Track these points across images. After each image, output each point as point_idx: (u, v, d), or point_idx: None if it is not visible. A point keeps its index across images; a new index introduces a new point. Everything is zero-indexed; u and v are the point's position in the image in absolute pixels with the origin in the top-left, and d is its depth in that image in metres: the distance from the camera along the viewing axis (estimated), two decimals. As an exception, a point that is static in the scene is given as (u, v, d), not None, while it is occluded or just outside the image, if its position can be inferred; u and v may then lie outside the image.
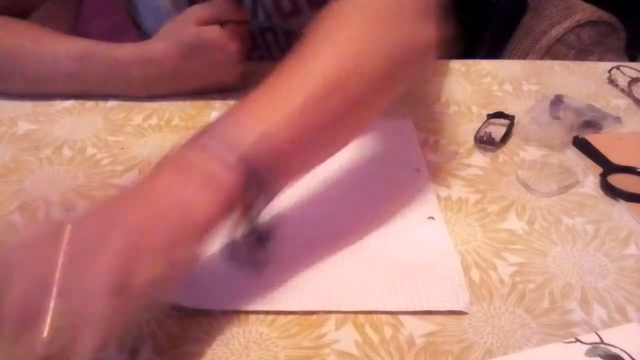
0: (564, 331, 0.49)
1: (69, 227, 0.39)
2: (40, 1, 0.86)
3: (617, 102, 0.82)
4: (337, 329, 0.48)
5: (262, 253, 0.49)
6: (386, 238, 0.57)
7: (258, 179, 0.45)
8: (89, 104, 0.77)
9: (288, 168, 0.48)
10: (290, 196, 0.62)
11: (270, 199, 0.48)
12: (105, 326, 0.38)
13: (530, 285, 0.53)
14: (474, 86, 0.84)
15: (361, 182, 0.65)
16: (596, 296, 0.52)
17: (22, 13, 0.81)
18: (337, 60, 0.50)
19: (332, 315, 0.49)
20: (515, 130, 0.74)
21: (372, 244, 0.57)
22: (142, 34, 0.90)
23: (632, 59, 1.09)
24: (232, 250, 0.49)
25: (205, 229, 0.43)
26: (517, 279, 0.54)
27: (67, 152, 0.68)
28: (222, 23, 0.75)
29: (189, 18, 0.74)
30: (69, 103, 0.77)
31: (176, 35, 0.74)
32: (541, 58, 1.08)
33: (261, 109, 0.47)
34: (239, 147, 0.44)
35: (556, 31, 1.10)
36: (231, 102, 0.78)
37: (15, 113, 0.75)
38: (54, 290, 0.37)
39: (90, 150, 0.69)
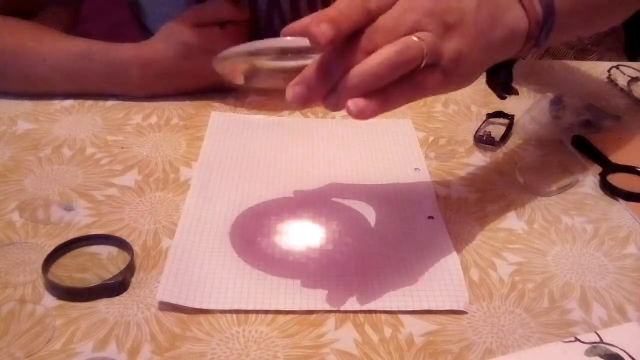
0: (564, 331, 0.49)
1: None
2: (44, 3, 0.86)
3: (617, 102, 0.82)
4: (337, 328, 0.48)
5: None
6: (386, 238, 0.57)
7: (545, 26, 0.54)
8: (89, 103, 0.77)
9: (561, 28, 0.56)
10: (289, 196, 0.62)
11: (535, 48, 0.56)
12: None
13: (530, 285, 0.53)
14: (473, 86, 0.84)
15: (361, 181, 0.65)
16: (596, 296, 0.52)
17: (25, 14, 0.81)
18: None
19: (332, 315, 0.49)
20: (515, 130, 0.74)
21: (372, 244, 0.57)
22: (147, 34, 0.90)
23: (632, 58, 1.09)
24: None
25: (507, 35, 0.51)
26: (517, 278, 0.54)
27: (66, 151, 0.68)
28: (222, 24, 0.75)
29: (188, 19, 0.74)
30: (68, 103, 0.77)
31: (176, 36, 0.74)
32: (541, 58, 1.08)
33: None
34: None
35: (556, 31, 1.10)
36: (231, 102, 0.78)
37: (15, 112, 0.75)
38: None
39: (90, 150, 0.69)
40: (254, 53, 0.49)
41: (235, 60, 0.50)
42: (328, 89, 0.45)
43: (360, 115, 0.44)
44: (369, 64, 0.44)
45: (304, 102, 0.45)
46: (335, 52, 0.45)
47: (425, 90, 0.47)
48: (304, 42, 0.44)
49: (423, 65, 0.45)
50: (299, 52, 0.47)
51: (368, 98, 0.44)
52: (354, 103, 0.44)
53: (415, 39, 0.45)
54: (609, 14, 0.67)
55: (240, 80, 0.51)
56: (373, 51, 0.44)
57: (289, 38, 0.46)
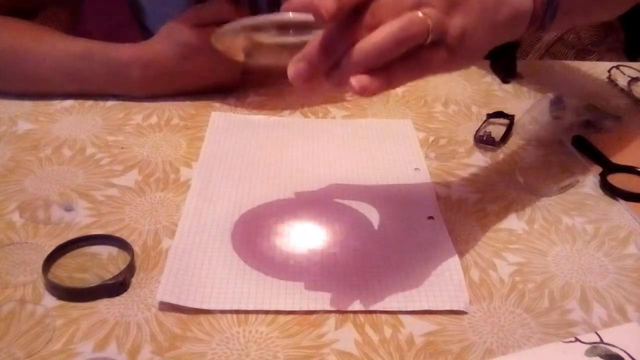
0: (564, 331, 0.49)
1: None
2: (44, 3, 0.86)
3: (617, 102, 0.82)
4: (337, 328, 0.48)
5: None
6: (386, 238, 0.57)
7: (549, 7, 0.54)
8: (89, 103, 0.77)
9: (565, 11, 0.56)
10: (289, 196, 0.62)
11: (539, 31, 0.55)
12: None
13: (530, 285, 0.53)
14: (474, 86, 0.84)
15: (361, 181, 0.65)
16: (596, 296, 0.52)
17: (25, 14, 0.81)
18: None
19: (332, 315, 0.49)
20: (515, 129, 0.74)
21: (372, 244, 0.57)
22: (147, 35, 0.90)
23: (632, 58, 1.09)
24: None
25: (511, 14, 0.51)
26: (517, 278, 0.54)
27: (66, 151, 0.68)
28: (222, 24, 0.74)
29: (188, 19, 0.74)
30: (68, 102, 0.77)
31: (176, 36, 0.74)
32: (541, 58, 1.08)
33: None
34: None
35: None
36: (231, 102, 0.78)
37: (15, 112, 0.75)
38: None
39: (90, 150, 0.69)
40: (254, 28, 0.48)
41: (234, 36, 0.50)
42: (330, 65, 0.44)
43: (364, 92, 0.43)
44: (373, 40, 0.43)
45: (306, 79, 0.44)
46: (338, 28, 0.44)
47: (429, 68, 0.47)
48: (305, 16, 0.43)
49: (428, 41, 0.45)
50: (300, 27, 0.46)
51: (371, 75, 0.43)
52: (357, 79, 0.43)
53: (419, 14, 0.44)
54: (613, 1, 0.67)
55: (240, 57, 0.50)
56: (377, 26, 0.44)
57: (290, 13, 0.45)
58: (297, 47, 0.45)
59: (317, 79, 0.45)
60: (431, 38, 0.44)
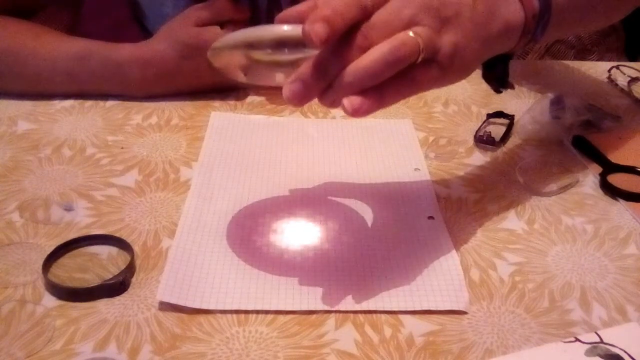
0: (564, 331, 0.49)
1: None
2: (44, 3, 0.86)
3: (617, 102, 0.82)
4: (337, 328, 0.48)
5: None
6: (386, 238, 0.57)
7: (541, 20, 0.54)
8: (89, 103, 0.77)
9: (557, 23, 0.56)
10: (289, 196, 0.62)
11: (531, 43, 0.56)
12: None
13: (530, 285, 0.53)
14: (473, 86, 0.84)
15: (361, 181, 0.65)
16: (596, 296, 0.52)
17: (24, 13, 0.81)
18: None
19: (332, 315, 0.49)
20: (515, 129, 0.74)
21: (373, 244, 0.57)
22: (147, 35, 0.90)
23: (632, 58, 1.09)
24: None
25: (503, 28, 0.51)
26: (517, 278, 0.54)
27: (66, 151, 0.68)
28: (221, 23, 0.75)
29: (188, 18, 0.74)
30: (68, 102, 0.77)
31: (176, 35, 0.74)
32: (541, 58, 1.08)
33: None
34: None
35: (556, 31, 1.10)
36: (231, 102, 0.78)
37: (15, 112, 0.75)
38: None
39: (89, 150, 0.69)
40: (250, 44, 0.48)
41: (231, 53, 0.50)
42: (325, 86, 0.45)
43: (356, 113, 0.44)
44: (364, 62, 0.43)
45: (301, 99, 0.45)
46: (332, 49, 0.44)
47: (421, 86, 0.47)
48: (299, 29, 0.43)
49: (419, 60, 0.45)
50: (295, 44, 0.46)
51: (363, 95, 0.44)
52: (349, 101, 0.44)
53: (411, 34, 0.44)
54: (605, 12, 0.67)
55: (240, 77, 0.51)
56: (369, 47, 0.44)
57: (284, 26, 0.45)
58: (293, 64, 0.46)
59: (312, 99, 0.45)
60: (422, 57, 0.45)
